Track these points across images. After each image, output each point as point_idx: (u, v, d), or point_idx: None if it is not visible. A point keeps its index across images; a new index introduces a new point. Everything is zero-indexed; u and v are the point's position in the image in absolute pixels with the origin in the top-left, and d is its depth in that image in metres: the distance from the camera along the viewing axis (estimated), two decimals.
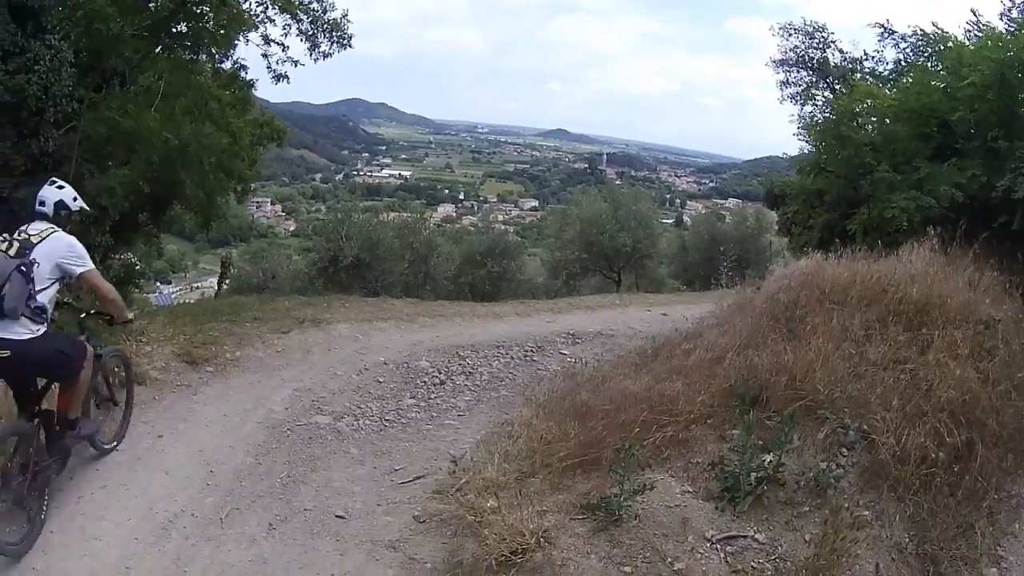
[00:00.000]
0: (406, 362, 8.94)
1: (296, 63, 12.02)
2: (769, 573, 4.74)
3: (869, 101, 11.19)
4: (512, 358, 9.45)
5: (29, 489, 4.76)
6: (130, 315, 5.84)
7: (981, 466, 5.45)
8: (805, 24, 15.58)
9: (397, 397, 8.07)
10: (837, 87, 14.53)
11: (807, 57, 15.56)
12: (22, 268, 4.66)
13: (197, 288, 32.40)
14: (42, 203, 5.11)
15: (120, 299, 5.70)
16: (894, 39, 12.87)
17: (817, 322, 6.70)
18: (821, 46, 15.49)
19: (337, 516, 5.65)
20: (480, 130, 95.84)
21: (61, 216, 5.15)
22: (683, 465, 5.65)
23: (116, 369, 6.40)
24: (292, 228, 60.45)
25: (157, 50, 10.34)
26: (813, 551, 4.70)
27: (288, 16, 11.61)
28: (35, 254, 4.81)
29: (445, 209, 69.96)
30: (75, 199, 5.28)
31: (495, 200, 77.22)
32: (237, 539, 5.28)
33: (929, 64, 11.76)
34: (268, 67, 11.97)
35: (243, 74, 12.84)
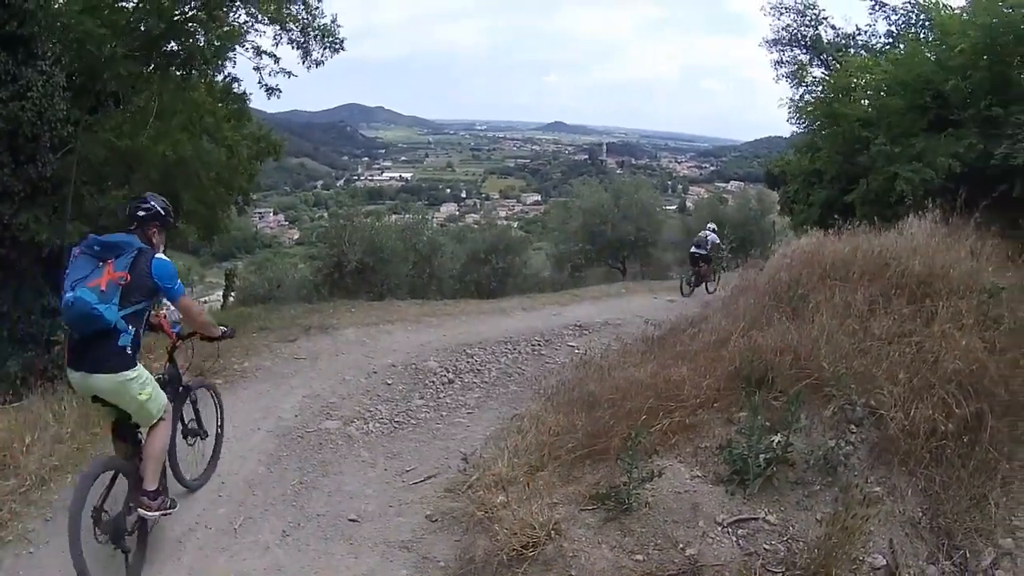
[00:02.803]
0: (414, 363, 8.97)
1: (289, 74, 11.99)
2: (782, 554, 4.68)
3: (865, 76, 11.09)
4: (520, 353, 9.48)
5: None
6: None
7: (992, 436, 5.32)
8: (796, 2, 15.64)
9: (406, 398, 8.11)
10: (831, 64, 14.50)
11: (800, 35, 15.59)
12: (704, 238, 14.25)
13: (205, 302, 32.22)
14: (705, 237, 14.08)
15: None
16: (885, 12, 12.88)
17: (820, 299, 6.66)
18: (813, 23, 15.56)
19: (350, 520, 5.68)
20: (478, 127, 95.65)
21: (706, 240, 13.98)
22: (691, 450, 5.61)
23: None
24: (296, 237, 60.41)
25: (150, 69, 10.33)
26: (825, 530, 4.60)
27: (277, 26, 11.57)
28: (707, 235, 14.16)
29: (448, 208, 70.26)
30: (716, 234, 14.52)
31: (497, 196, 77.18)
32: (251, 548, 5.31)
33: (920, 34, 11.69)
34: (260, 81, 11.90)
35: (236, 87, 12.83)
